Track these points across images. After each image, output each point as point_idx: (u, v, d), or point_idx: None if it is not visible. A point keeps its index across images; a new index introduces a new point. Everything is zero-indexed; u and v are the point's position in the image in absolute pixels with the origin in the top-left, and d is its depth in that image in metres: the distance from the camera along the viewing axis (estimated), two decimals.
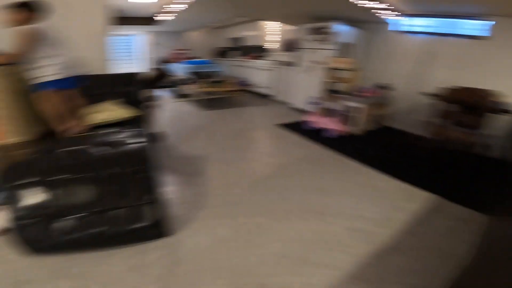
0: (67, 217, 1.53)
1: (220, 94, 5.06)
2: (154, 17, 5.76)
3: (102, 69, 2.90)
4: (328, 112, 3.97)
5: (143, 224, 1.58)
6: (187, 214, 1.86)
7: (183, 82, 5.29)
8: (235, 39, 7.50)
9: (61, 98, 2.04)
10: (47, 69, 1.90)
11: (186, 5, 4.24)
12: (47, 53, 1.89)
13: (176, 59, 6.85)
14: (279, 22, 5.84)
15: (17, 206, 1.51)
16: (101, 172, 1.71)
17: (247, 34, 6.92)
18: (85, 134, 2.13)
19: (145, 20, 6.17)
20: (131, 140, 2.04)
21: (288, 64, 5.23)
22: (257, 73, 6.04)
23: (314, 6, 4.07)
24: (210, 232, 1.70)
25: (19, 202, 1.52)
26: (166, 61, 6.91)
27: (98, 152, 1.86)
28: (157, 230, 1.64)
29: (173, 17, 5.35)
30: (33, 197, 1.54)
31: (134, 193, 1.65)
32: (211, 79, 5.07)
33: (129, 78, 2.89)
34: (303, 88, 4.70)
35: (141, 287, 1.32)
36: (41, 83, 1.91)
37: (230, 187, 2.24)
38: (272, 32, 6.22)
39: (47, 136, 2.19)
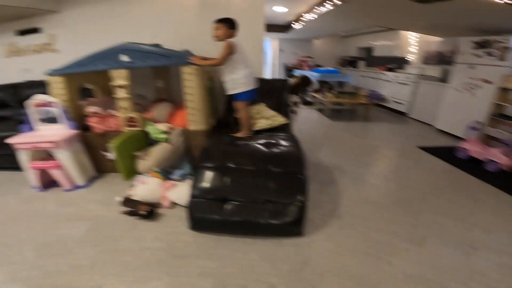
0: (229, 202, 1.78)
1: (348, 105, 4.91)
2: (289, 25, 6.13)
3: (259, 74, 3.27)
4: (492, 141, 3.22)
5: (286, 220, 1.70)
6: (320, 220, 1.93)
7: (309, 90, 5.43)
8: (366, 49, 7.14)
9: (249, 107, 2.40)
10: (241, 80, 2.27)
11: (321, 14, 4.26)
12: (240, 65, 2.26)
13: (301, 66, 7.11)
14: (422, 33, 5.19)
15: (197, 185, 1.86)
16: (265, 168, 1.94)
17: (380, 44, 6.45)
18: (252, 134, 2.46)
19: (280, 27, 6.67)
20: (287, 143, 2.22)
21: (433, 79, 4.56)
22: (391, 87, 5.54)
23: (485, 18, 3.38)
24: (341, 241, 1.75)
25: (199, 182, 1.87)
26: (292, 67, 7.24)
27: (263, 151, 2.12)
28: (296, 228, 1.74)
29: (301, 25, 5.52)
30: (209, 179, 1.88)
31: (289, 191, 1.78)
32: (339, 89, 4.98)
33: (281, 84, 3.17)
34: (455, 108, 3.99)
35: (269, 278, 1.43)
36: (239, 93, 2.30)
37: (363, 202, 2.21)
38: (409, 42, 5.57)
39: (216, 128, 2.66)
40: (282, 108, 2.89)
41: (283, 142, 2.23)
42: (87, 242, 1.70)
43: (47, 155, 2.32)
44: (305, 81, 3.39)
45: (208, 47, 2.60)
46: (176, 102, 2.84)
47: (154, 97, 3.03)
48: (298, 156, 2.03)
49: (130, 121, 2.39)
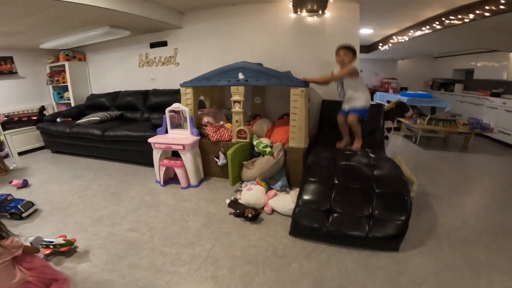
0: (332, 213, 1.89)
1: (442, 133, 4.49)
2: (373, 45, 5.97)
3: None
4: None
5: (386, 233, 1.75)
6: (417, 239, 1.90)
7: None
8: (464, 71, 6.42)
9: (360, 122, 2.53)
10: (361, 97, 2.40)
11: (413, 37, 4.02)
12: (361, 87, 2.42)
13: (384, 88, 6.79)
14: None
15: (303, 196, 2.00)
16: (369, 186, 1.98)
17: (482, 65, 5.72)
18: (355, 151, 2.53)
19: (362, 48, 6.54)
20: (388, 165, 2.22)
21: None
22: (496, 114, 4.86)
23: None
24: (439, 257, 1.72)
25: (305, 193, 2.01)
26: (374, 90, 6.94)
27: (366, 170, 2.15)
28: (394, 243, 1.76)
29: (387, 47, 5.28)
30: (314, 192, 2.01)
31: (392, 209, 1.83)
32: (432, 115, 4.60)
33: (376, 108, 3.14)
34: None
35: (365, 283, 1.50)
36: (357, 109, 2.42)
37: (462, 226, 2.10)
38: None
39: (312, 145, 2.79)
40: (377, 134, 2.87)
41: (383, 164, 2.25)
42: (203, 236, 1.95)
43: (169, 156, 2.80)
44: (401, 107, 3.26)
45: (302, 67, 2.81)
46: (270, 118, 3.09)
47: (252, 112, 3.35)
48: (401, 178, 2.05)
49: (241, 133, 2.71)
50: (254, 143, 2.65)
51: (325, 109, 3.10)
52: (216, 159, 2.78)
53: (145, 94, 3.93)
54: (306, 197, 2.00)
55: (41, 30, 3.24)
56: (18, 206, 2.15)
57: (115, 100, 4.19)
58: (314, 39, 3.18)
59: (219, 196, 2.56)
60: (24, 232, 2.05)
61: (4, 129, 3.70)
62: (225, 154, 2.69)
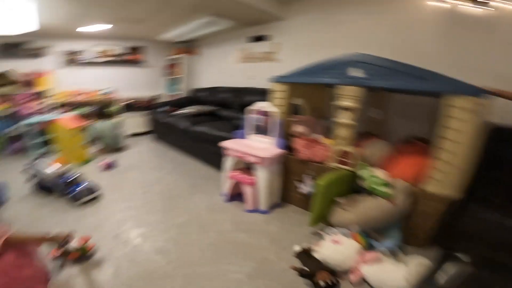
0: None
1: None
2: None
3: None
4: None
5: None
6: None
7: None
8: None
9: None
10: None
11: None
12: None
13: None
14: None
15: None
16: None
17: None
18: None
19: None
20: None
21: None
22: None
23: None
24: None
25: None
26: None
27: None
28: None
29: None
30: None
31: None
32: None
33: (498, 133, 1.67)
34: None
35: None
36: None
37: None
38: None
39: (467, 198, 1.60)
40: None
41: None
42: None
43: (245, 166, 2.21)
44: None
45: (452, 72, 1.60)
46: (391, 141, 2.04)
47: (363, 129, 2.37)
48: None
49: (344, 157, 1.83)
50: (363, 174, 1.72)
51: (495, 141, 1.81)
52: (300, 184, 2.00)
53: (238, 91, 3.58)
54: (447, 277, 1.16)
55: (155, 18, 3.33)
56: (80, 190, 2.06)
57: (212, 95, 4.07)
58: (477, 39, 1.94)
59: (289, 235, 1.80)
60: (63, 219, 1.96)
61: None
62: (314, 181, 1.88)
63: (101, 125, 3.64)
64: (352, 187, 1.82)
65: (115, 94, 4.47)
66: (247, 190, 2.05)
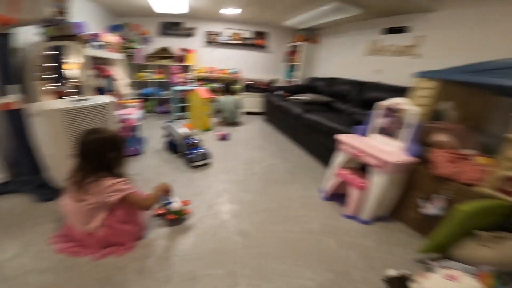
0: None
1: None
2: None
3: None
4: None
5: None
6: None
7: None
8: None
9: None
10: None
11: None
12: None
13: None
14: None
15: None
16: None
17: None
18: None
19: None
20: None
21: None
22: None
23: None
24: None
25: None
26: None
27: None
28: None
29: None
30: None
31: None
32: None
33: None
34: None
35: None
36: None
37: None
38: None
39: None
40: None
41: None
42: None
43: (357, 167, 2.01)
44: None
45: None
46: None
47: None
48: None
49: (507, 184, 1.37)
50: None
51: None
52: (424, 203, 1.65)
53: (361, 85, 3.25)
54: None
55: (283, 2, 3.34)
56: (197, 153, 2.38)
57: (329, 86, 3.89)
58: None
59: (385, 255, 1.52)
60: (178, 178, 2.21)
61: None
62: (448, 203, 1.51)
63: (225, 100, 4.10)
64: (503, 222, 1.37)
65: (239, 74, 4.95)
66: (353, 193, 1.84)
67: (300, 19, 3.91)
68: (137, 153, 2.66)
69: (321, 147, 2.76)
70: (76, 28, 2.08)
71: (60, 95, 2.20)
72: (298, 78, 4.84)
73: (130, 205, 1.34)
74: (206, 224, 1.66)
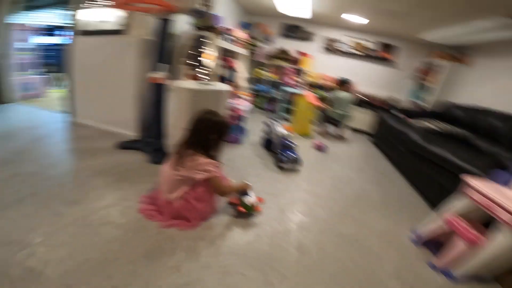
0: None
1: None
2: None
3: None
4: None
5: None
6: None
7: None
8: None
9: None
10: None
11: None
12: None
13: None
14: None
15: None
16: None
17: None
18: None
19: None
20: None
21: None
22: None
23: None
24: None
25: None
26: None
27: None
28: None
29: None
30: None
31: None
32: None
33: None
34: None
35: None
36: None
37: None
38: None
39: None
40: None
41: None
42: None
43: (477, 219, 1.45)
44: None
45: None
46: None
47: None
48: None
49: None
50: None
51: None
52: None
53: None
54: None
55: (420, 13, 2.82)
56: (288, 156, 2.29)
57: (471, 117, 3.05)
58: None
59: None
60: (263, 174, 2.21)
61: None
62: None
63: (338, 95, 3.79)
64: None
65: (352, 85, 4.58)
66: (458, 245, 1.38)
67: (445, 34, 3.26)
68: (236, 142, 2.84)
69: (432, 184, 2.21)
70: (216, 21, 2.37)
71: (194, 78, 2.58)
72: (428, 101, 4.05)
73: (210, 187, 1.40)
74: (269, 227, 1.58)
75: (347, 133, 4.08)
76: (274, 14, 4.44)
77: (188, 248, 1.29)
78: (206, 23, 2.36)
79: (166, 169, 1.44)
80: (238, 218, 1.58)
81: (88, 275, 1.05)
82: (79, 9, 2.53)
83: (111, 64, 2.54)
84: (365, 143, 4.02)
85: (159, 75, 2.10)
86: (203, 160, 1.35)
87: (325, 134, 3.93)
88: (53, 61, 4.39)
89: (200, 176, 1.35)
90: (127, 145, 2.29)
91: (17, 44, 3.48)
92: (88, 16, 2.50)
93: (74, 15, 2.55)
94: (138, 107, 2.47)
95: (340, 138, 3.92)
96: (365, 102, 4.54)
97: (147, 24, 1.95)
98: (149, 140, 2.25)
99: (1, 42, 3.18)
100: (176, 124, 1.99)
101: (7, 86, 3.41)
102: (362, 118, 4.48)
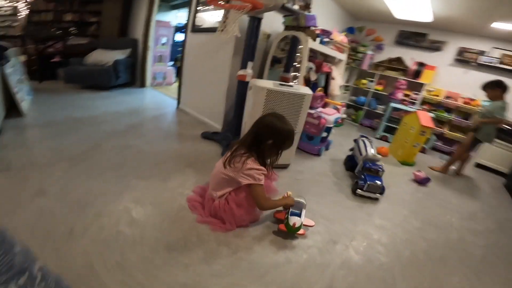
0: None
1: None
2: None
3: None
4: None
5: None
6: None
7: None
8: None
9: None
10: None
11: None
12: None
13: None
14: None
15: None
16: None
17: None
18: None
19: None
20: None
21: None
22: None
23: None
24: None
25: None
26: None
27: None
28: None
29: None
30: None
31: None
32: None
33: None
34: None
35: None
36: None
37: None
38: None
39: None
40: None
41: None
42: None
43: None
44: None
45: None
46: None
47: None
48: None
49: None
50: None
51: None
52: None
53: None
54: None
55: None
56: (370, 184, 1.88)
57: None
58: None
59: None
60: (332, 195, 1.92)
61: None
62: None
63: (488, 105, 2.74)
64: None
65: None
66: None
67: None
68: (315, 153, 2.60)
69: None
70: (309, 21, 2.20)
71: (283, 79, 2.52)
72: None
73: (253, 193, 1.31)
74: (307, 255, 1.29)
75: (467, 169, 3.08)
76: (389, 20, 3.86)
77: (208, 250, 1.21)
78: (297, 23, 2.24)
79: (217, 165, 1.43)
80: (277, 236, 1.39)
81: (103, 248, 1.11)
82: (194, 9, 2.93)
83: (209, 60, 2.82)
84: (491, 185, 2.93)
85: (246, 73, 2.15)
86: (252, 164, 1.26)
87: (444, 170, 2.98)
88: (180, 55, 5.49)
89: (243, 180, 1.27)
90: (208, 136, 2.47)
91: (160, 40, 4.43)
92: (200, 15, 2.86)
93: (189, 15, 2.97)
94: (226, 102, 2.63)
95: (458, 174, 2.99)
96: (506, 132, 3.30)
97: (240, 23, 2.01)
98: (227, 135, 2.35)
99: (148, 37, 4.08)
100: (249, 122, 1.99)
101: (147, 74, 4.38)
102: (495, 152, 3.31)
